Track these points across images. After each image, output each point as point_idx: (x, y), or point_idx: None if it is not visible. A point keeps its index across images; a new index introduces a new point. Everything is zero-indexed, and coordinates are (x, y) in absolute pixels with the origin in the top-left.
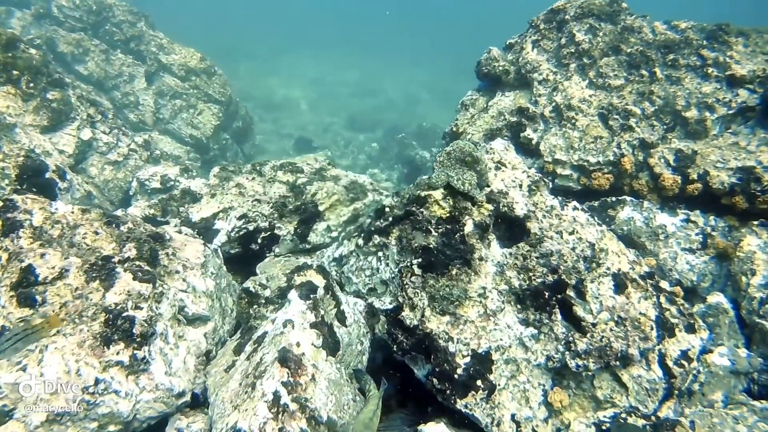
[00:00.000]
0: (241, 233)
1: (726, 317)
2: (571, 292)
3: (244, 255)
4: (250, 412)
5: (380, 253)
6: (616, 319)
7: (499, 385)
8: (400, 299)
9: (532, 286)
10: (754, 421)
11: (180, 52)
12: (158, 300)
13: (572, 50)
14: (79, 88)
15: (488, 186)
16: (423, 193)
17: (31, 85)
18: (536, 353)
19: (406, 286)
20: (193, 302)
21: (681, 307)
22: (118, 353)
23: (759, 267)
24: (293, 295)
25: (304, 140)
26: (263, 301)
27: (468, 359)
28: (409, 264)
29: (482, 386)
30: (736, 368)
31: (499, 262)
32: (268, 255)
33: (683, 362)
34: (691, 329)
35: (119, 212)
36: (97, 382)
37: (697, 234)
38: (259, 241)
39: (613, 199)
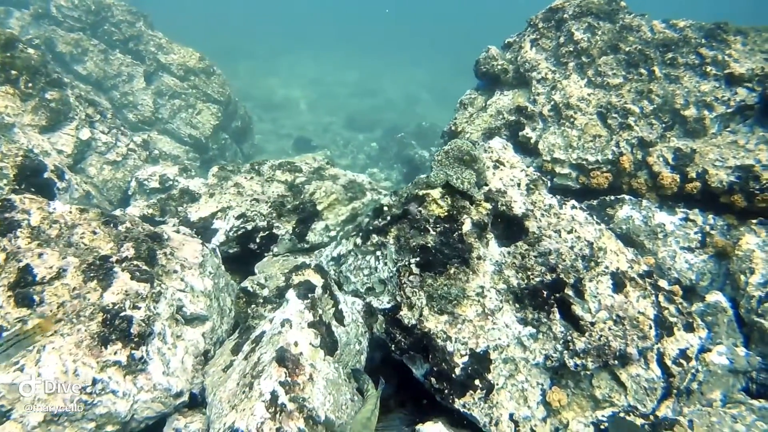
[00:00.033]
0: (239, 233)
1: (725, 316)
2: (569, 291)
3: (242, 254)
4: (248, 412)
5: (378, 253)
6: (614, 318)
7: (497, 384)
8: (398, 298)
9: (530, 285)
10: (753, 420)
11: (179, 51)
12: (156, 300)
13: (571, 49)
14: (77, 87)
15: (486, 185)
16: (421, 192)
17: (30, 84)
18: (534, 352)
19: (404, 286)
20: (191, 302)
21: (680, 306)
22: (115, 353)
23: (757, 266)
24: (291, 294)
25: (303, 140)
26: (261, 301)
27: (466, 358)
28: (407, 263)
29: (480, 386)
30: (735, 367)
31: (497, 261)
32: (266, 254)
33: (682, 361)
34: (689, 328)
35: (118, 212)
36: (94, 382)
37: (695, 233)
38: (258, 240)
39: (612, 197)
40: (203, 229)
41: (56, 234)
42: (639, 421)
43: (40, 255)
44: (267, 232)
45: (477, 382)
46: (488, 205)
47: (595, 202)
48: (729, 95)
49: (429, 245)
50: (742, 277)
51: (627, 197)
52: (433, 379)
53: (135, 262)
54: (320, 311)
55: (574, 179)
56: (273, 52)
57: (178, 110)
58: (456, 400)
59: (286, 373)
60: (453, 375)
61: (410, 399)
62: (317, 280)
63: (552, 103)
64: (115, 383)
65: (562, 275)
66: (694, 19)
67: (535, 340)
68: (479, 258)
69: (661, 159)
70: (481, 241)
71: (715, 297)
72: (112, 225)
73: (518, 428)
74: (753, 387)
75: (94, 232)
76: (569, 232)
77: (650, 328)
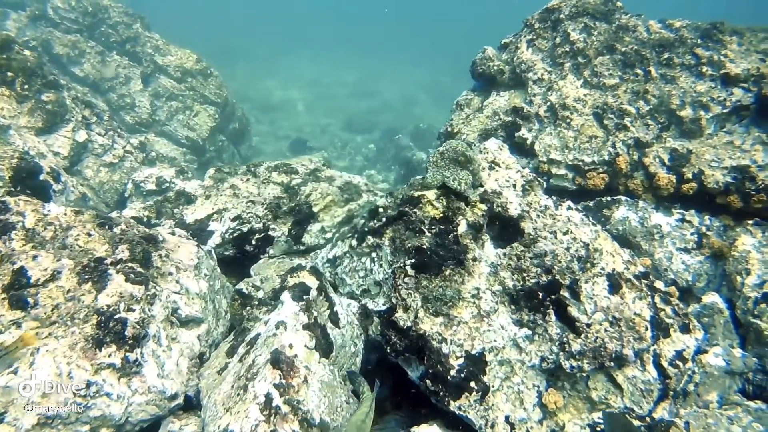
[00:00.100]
0: (235, 234)
1: (721, 317)
2: (565, 293)
3: (238, 256)
4: (242, 415)
5: (374, 254)
6: (610, 319)
7: (493, 386)
8: (394, 300)
9: (526, 286)
10: (749, 422)
11: (176, 53)
12: (151, 302)
13: (567, 49)
14: (74, 89)
15: (482, 186)
16: (416, 194)
17: (26, 86)
18: (530, 354)
19: (400, 287)
20: (186, 304)
21: (676, 307)
22: (110, 356)
23: (753, 266)
24: (286, 296)
25: (300, 141)
26: (256, 303)
27: (461, 360)
28: (402, 265)
29: (476, 388)
30: (731, 368)
31: (492, 262)
32: (262, 256)
33: (678, 363)
34: (686, 329)
35: (113, 214)
36: (88, 384)
37: (692, 233)
38: (254, 242)
39: (608, 198)
40: (199, 231)
41: (51, 236)
42: (635, 423)
43: (34, 257)
44: (263, 234)
45: (472, 384)
46: (484, 207)
47: (591, 203)
48: (725, 95)
49: (424, 247)
50: (738, 278)
51: (623, 198)
52: (428, 381)
53: (130, 264)
54: (315, 313)
55: (571, 180)
56: (273, 53)
57: (175, 112)
58: (451, 402)
59: (280, 375)
60: (448, 377)
61: (406, 401)
62: (312, 282)
63: (548, 103)
64: (109, 386)
65: (557, 277)
66: (691, 19)
67: (530, 341)
68: (474, 259)
69: (657, 160)
70: (476, 243)
71: (712, 298)
72: (107, 227)
73: (514, 430)
74: (749, 388)
75: (89, 234)
76: (565, 234)
77: (646, 329)
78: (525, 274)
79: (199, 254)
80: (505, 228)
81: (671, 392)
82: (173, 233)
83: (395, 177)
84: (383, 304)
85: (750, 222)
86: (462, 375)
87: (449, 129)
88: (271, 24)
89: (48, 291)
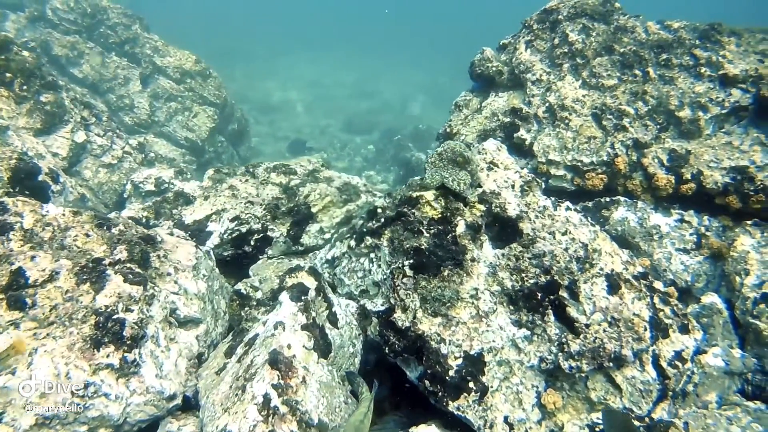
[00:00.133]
0: (233, 235)
1: (720, 317)
2: (564, 293)
3: (237, 257)
4: (240, 415)
5: (372, 255)
6: (609, 320)
7: (491, 386)
8: (392, 301)
9: (524, 287)
10: (748, 422)
11: (175, 54)
12: (149, 302)
13: (565, 50)
14: (72, 90)
15: (480, 186)
16: (415, 194)
17: (25, 87)
18: (529, 355)
19: (398, 288)
20: (184, 304)
21: (675, 308)
22: (108, 356)
23: (752, 267)
24: (284, 296)
25: (299, 142)
26: (255, 303)
27: (460, 361)
28: (400, 265)
29: (474, 388)
30: (730, 369)
31: (491, 263)
32: (261, 257)
33: (677, 363)
34: (685, 330)
35: (112, 215)
36: (86, 385)
37: (691, 234)
38: (252, 243)
39: (607, 199)
40: (198, 232)
41: (49, 237)
42: (635, 424)
43: (32, 258)
44: (261, 235)
45: (471, 384)
46: (482, 207)
47: (590, 204)
48: (723, 96)
49: (423, 247)
50: (738, 279)
51: (622, 199)
52: (427, 382)
53: (128, 265)
54: (313, 313)
55: (569, 181)
56: (272, 53)
57: (174, 113)
58: (450, 402)
59: (278, 375)
60: (447, 377)
61: (404, 401)
62: (311, 282)
63: (547, 104)
64: (107, 386)
65: (556, 277)
66: (689, 20)
67: (529, 342)
68: (473, 260)
69: (656, 160)
70: (474, 243)
71: (711, 298)
72: (105, 227)
73: (513, 431)
74: (748, 389)
75: (87, 235)
76: (564, 234)
77: (645, 329)
78: (524, 275)
79: (197, 255)
80: (503, 228)
81: (670, 393)
82: (172, 234)
83: (394, 178)
84: (382, 305)
85: (749, 222)
86: (460, 375)
87: (448, 130)
88: (271, 24)
89: (46, 291)
